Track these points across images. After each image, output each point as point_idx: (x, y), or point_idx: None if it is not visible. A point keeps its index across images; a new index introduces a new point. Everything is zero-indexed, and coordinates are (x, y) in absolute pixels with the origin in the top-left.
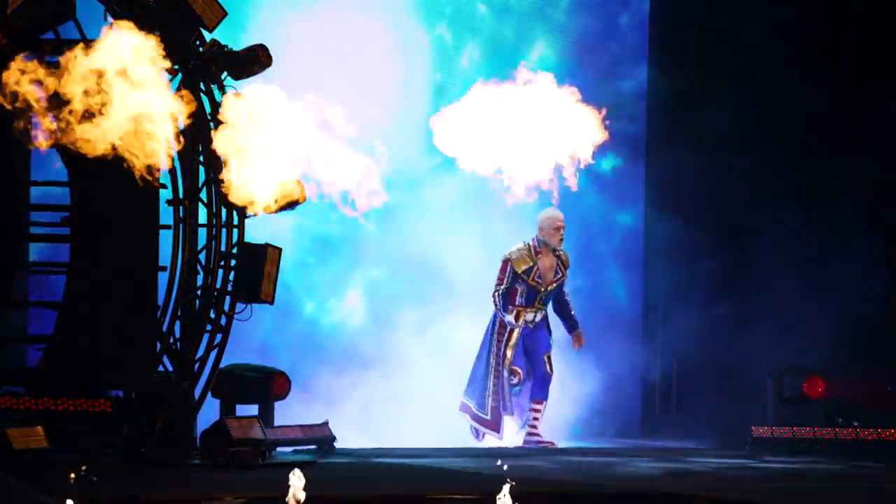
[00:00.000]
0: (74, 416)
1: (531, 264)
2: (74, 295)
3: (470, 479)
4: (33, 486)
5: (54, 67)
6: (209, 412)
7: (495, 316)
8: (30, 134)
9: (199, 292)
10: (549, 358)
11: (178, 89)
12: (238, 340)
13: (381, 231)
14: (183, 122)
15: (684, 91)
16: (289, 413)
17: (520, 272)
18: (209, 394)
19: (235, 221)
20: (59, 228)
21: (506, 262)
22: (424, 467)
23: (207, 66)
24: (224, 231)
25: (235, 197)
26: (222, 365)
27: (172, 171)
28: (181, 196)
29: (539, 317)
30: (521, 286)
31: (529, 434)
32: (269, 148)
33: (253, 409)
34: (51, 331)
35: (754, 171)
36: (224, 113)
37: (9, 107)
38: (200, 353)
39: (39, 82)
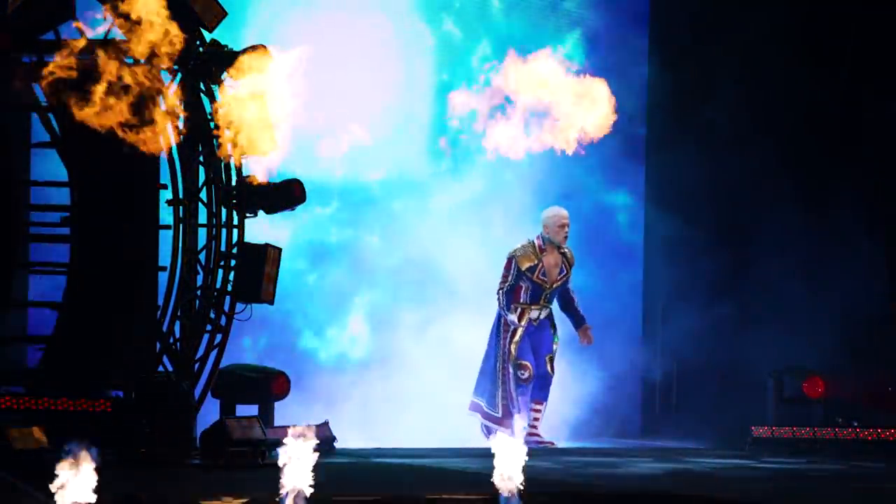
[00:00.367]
0: (74, 416)
1: (536, 262)
2: (74, 295)
3: (470, 480)
4: (33, 486)
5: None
6: (209, 412)
7: (500, 313)
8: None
9: (199, 292)
10: (550, 359)
11: (178, 89)
12: (238, 340)
13: (381, 231)
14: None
15: (685, 90)
16: (289, 413)
17: (524, 269)
18: (209, 394)
19: (235, 221)
20: (59, 228)
21: (510, 259)
22: (424, 467)
23: (207, 66)
24: (224, 231)
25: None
26: (222, 365)
27: (172, 171)
28: (181, 196)
29: (543, 314)
30: (525, 283)
31: (529, 434)
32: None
33: (253, 409)
34: (51, 331)
35: (754, 171)
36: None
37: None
38: (200, 353)
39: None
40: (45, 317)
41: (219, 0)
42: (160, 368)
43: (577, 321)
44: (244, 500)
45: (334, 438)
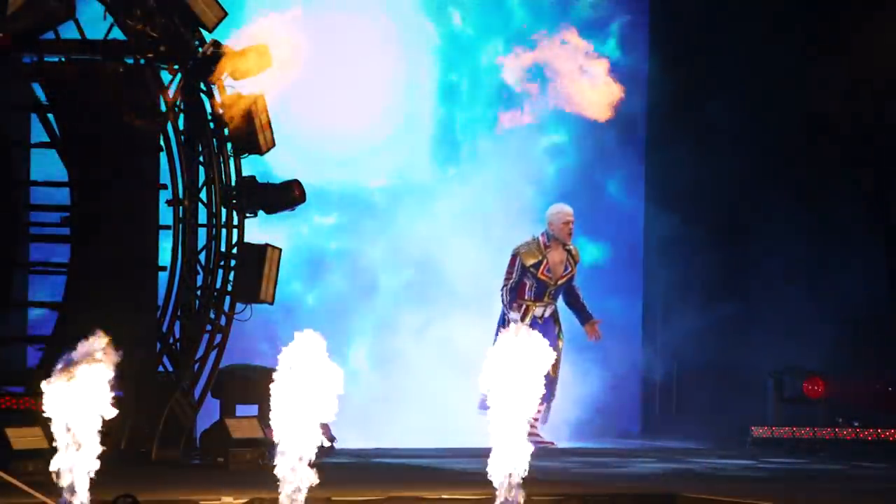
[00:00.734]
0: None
1: (540, 258)
2: (74, 295)
3: (470, 480)
4: (32, 486)
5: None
6: (209, 412)
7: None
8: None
9: (198, 292)
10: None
11: (178, 90)
12: (238, 340)
13: (381, 232)
14: None
15: (685, 88)
16: None
17: (528, 266)
18: (209, 394)
19: (235, 222)
20: (59, 228)
21: (514, 256)
22: (424, 467)
23: (207, 66)
24: (224, 231)
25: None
26: (222, 365)
27: (172, 171)
28: (181, 196)
29: (548, 312)
30: (530, 280)
31: (529, 434)
32: None
33: (253, 409)
34: (51, 331)
35: (754, 171)
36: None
37: None
38: (200, 353)
39: None
40: (45, 317)
41: (218, 0)
42: (160, 368)
43: (584, 317)
44: (244, 500)
45: (334, 438)
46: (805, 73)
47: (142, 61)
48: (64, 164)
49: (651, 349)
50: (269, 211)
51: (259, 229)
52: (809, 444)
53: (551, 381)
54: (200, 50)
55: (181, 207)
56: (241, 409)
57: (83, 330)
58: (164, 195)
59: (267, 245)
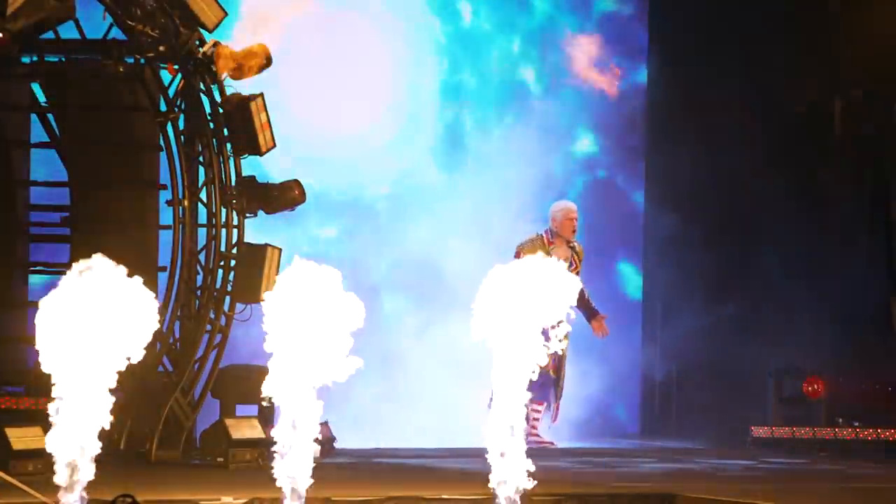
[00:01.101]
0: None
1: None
2: None
3: (470, 480)
4: (32, 486)
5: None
6: (209, 412)
7: None
8: None
9: (198, 292)
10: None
11: (178, 90)
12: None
13: (381, 232)
14: None
15: (685, 86)
16: None
17: None
18: (209, 394)
19: (235, 222)
20: (59, 228)
21: (518, 251)
22: (424, 467)
23: (207, 66)
24: (224, 231)
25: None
26: (222, 365)
27: (172, 171)
28: (181, 196)
29: None
30: None
31: (529, 434)
32: None
33: (253, 409)
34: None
35: (754, 171)
36: None
37: None
38: (200, 353)
39: None
40: None
41: (218, 0)
42: (160, 368)
43: (591, 314)
44: (244, 500)
45: (334, 438)
46: (805, 72)
47: (142, 61)
48: (64, 164)
49: (651, 349)
50: (269, 211)
51: (259, 230)
52: (809, 444)
53: (552, 381)
54: (201, 50)
55: (181, 207)
56: (241, 409)
57: None
58: (164, 195)
59: (267, 245)
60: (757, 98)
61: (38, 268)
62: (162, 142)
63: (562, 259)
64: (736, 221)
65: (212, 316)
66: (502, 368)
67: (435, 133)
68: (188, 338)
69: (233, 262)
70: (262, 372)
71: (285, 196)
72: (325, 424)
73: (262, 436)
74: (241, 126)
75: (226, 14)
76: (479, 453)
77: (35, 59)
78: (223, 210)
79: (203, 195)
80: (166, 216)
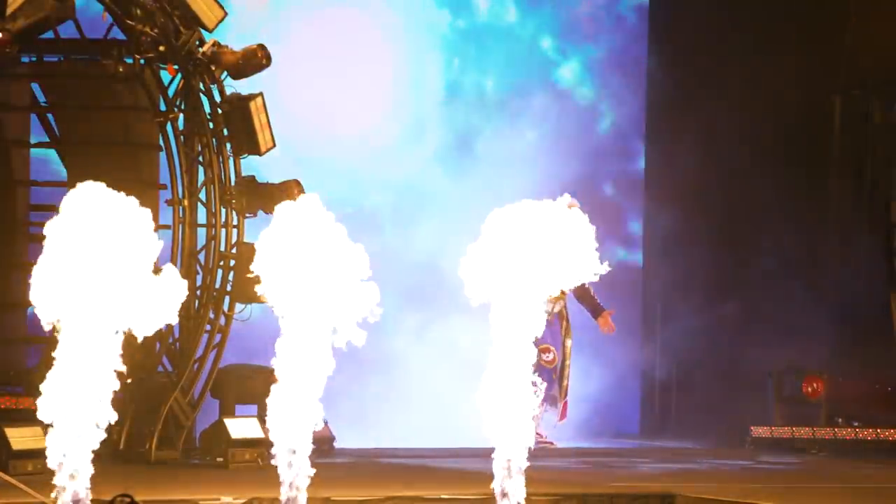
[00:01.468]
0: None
1: None
2: None
3: (470, 480)
4: (31, 486)
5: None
6: (209, 412)
7: None
8: None
9: (198, 292)
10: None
11: (178, 90)
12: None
13: (381, 231)
14: None
15: (685, 86)
16: None
17: None
18: (208, 393)
19: (235, 222)
20: None
21: None
22: (424, 467)
23: (207, 66)
24: (223, 231)
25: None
26: (222, 365)
27: (172, 171)
28: (180, 196)
29: (557, 307)
30: None
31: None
32: None
33: (253, 409)
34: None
35: (754, 170)
36: None
37: None
38: (200, 352)
39: None
40: None
41: (219, 0)
42: (159, 368)
43: (596, 311)
44: (243, 500)
45: (334, 438)
46: (805, 70)
47: (142, 61)
48: (64, 164)
49: (651, 349)
50: (269, 211)
51: (259, 230)
52: (809, 444)
53: (553, 379)
54: (201, 50)
55: (180, 207)
56: (241, 409)
57: None
58: (164, 195)
59: None
60: (757, 97)
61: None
62: (161, 142)
63: None
64: (736, 221)
65: (211, 316)
66: (503, 341)
67: (436, 133)
68: (188, 338)
69: (232, 262)
70: (261, 372)
71: (285, 196)
72: (325, 424)
73: (262, 435)
74: (241, 126)
75: (226, 14)
76: (479, 453)
77: (35, 59)
78: (223, 210)
79: (203, 195)
80: (166, 216)
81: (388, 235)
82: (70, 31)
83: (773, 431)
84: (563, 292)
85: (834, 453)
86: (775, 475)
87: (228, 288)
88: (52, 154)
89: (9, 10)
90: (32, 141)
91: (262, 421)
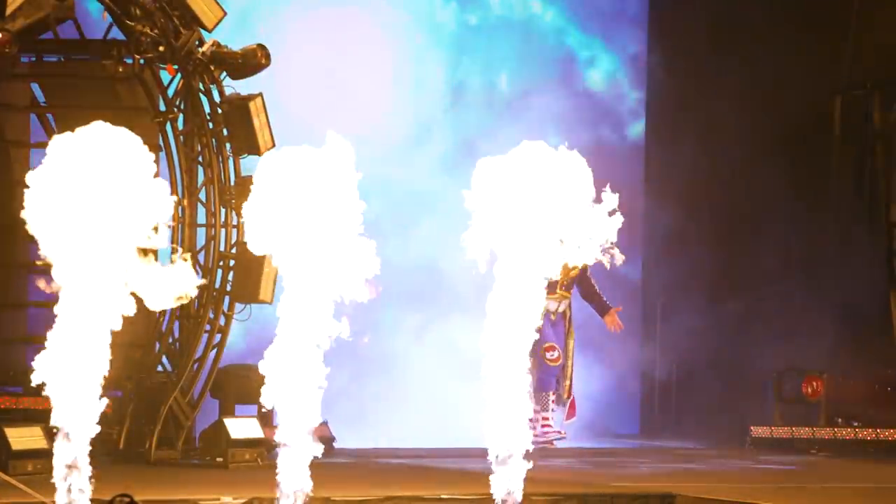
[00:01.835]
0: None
1: None
2: None
3: (470, 480)
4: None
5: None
6: (209, 412)
7: None
8: None
9: (198, 292)
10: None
11: (178, 90)
12: (238, 340)
13: (381, 231)
14: None
15: (685, 83)
16: None
17: None
18: (208, 393)
19: (234, 222)
20: None
21: None
22: (424, 467)
23: (207, 66)
24: (223, 231)
25: None
26: (221, 365)
27: (171, 171)
28: (180, 196)
29: (562, 307)
30: None
31: (541, 425)
32: None
33: (253, 409)
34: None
35: (754, 169)
36: None
37: None
38: (199, 352)
39: None
40: (44, 317)
41: (218, 0)
42: (159, 368)
43: (602, 309)
44: (243, 500)
45: (334, 438)
46: (806, 70)
47: (141, 61)
48: None
49: (651, 348)
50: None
51: None
52: (809, 443)
53: (558, 378)
54: (200, 50)
55: (180, 207)
56: (240, 409)
57: None
58: None
59: None
60: (757, 96)
61: (37, 268)
62: (161, 142)
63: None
64: (736, 221)
65: (211, 316)
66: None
67: (437, 133)
68: (187, 337)
69: (232, 262)
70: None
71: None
72: (324, 424)
73: (262, 436)
74: (241, 126)
75: (225, 14)
76: (479, 453)
77: (35, 59)
78: (222, 210)
79: (202, 195)
80: None
81: (387, 235)
82: (70, 31)
83: (773, 431)
84: (562, 288)
85: (834, 453)
86: (775, 475)
87: (228, 288)
88: None
89: (9, 10)
90: (32, 141)
91: (263, 421)
